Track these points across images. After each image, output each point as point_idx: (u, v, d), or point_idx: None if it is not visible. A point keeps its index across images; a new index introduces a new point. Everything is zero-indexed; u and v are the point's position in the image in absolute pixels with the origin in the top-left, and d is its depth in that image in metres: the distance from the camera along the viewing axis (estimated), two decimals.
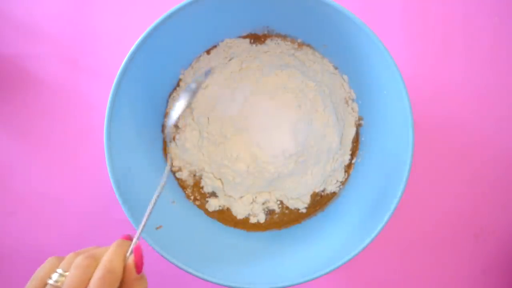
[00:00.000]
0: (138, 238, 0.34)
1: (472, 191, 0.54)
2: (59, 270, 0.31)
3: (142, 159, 0.47)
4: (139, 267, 0.32)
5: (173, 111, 0.42)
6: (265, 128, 0.50)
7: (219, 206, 0.51)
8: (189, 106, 0.44)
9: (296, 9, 0.43)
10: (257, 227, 0.51)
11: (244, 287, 0.41)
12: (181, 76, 0.50)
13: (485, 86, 0.54)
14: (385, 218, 0.42)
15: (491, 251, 0.54)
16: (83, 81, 0.54)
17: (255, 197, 0.51)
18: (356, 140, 0.51)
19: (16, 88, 0.54)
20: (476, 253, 0.54)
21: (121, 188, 0.41)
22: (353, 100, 0.50)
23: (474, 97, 0.54)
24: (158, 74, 0.47)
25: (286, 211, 0.52)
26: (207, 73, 0.46)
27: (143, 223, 0.35)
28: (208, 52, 0.49)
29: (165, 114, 0.51)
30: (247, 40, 0.49)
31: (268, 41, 0.49)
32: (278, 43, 0.49)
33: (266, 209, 0.52)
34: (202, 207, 0.51)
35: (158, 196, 0.36)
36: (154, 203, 0.36)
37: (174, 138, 0.51)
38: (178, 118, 0.43)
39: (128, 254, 0.33)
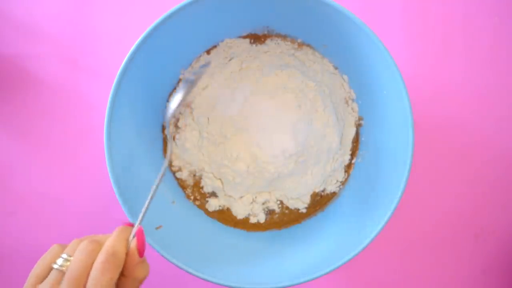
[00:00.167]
0: (139, 223, 0.34)
1: (472, 191, 0.54)
2: (64, 255, 0.31)
3: (142, 159, 0.47)
4: (141, 251, 0.33)
5: (171, 103, 0.43)
6: (265, 128, 0.50)
7: (219, 206, 0.51)
8: (186, 98, 0.44)
9: (296, 9, 0.43)
10: (257, 227, 0.51)
11: (244, 287, 0.41)
12: (181, 76, 0.50)
13: (485, 86, 0.54)
14: (385, 218, 0.42)
15: (491, 251, 0.54)
16: (83, 81, 0.54)
17: (255, 197, 0.51)
18: (356, 140, 0.51)
19: (16, 88, 0.54)
20: (476, 253, 0.54)
21: (121, 188, 0.41)
22: (353, 100, 0.50)
23: (474, 97, 0.54)
24: (158, 74, 0.47)
25: (286, 211, 0.52)
26: (205, 65, 0.46)
27: (145, 205, 0.35)
28: (208, 52, 0.49)
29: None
30: (247, 40, 0.49)
31: (268, 41, 0.49)
32: (278, 43, 0.49)
33: (266, 209, 0.52)
34: (202, 207, 0.51)
35: (162, 175, 0.37)
36: (158, 184, 0.36)
37: (174, 138, 0.51)
38: (176, 111, 0.43)
39: (130, 238, 0.33)
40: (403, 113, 0.41)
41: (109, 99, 0.41)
